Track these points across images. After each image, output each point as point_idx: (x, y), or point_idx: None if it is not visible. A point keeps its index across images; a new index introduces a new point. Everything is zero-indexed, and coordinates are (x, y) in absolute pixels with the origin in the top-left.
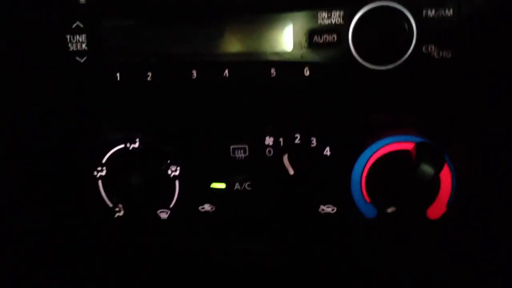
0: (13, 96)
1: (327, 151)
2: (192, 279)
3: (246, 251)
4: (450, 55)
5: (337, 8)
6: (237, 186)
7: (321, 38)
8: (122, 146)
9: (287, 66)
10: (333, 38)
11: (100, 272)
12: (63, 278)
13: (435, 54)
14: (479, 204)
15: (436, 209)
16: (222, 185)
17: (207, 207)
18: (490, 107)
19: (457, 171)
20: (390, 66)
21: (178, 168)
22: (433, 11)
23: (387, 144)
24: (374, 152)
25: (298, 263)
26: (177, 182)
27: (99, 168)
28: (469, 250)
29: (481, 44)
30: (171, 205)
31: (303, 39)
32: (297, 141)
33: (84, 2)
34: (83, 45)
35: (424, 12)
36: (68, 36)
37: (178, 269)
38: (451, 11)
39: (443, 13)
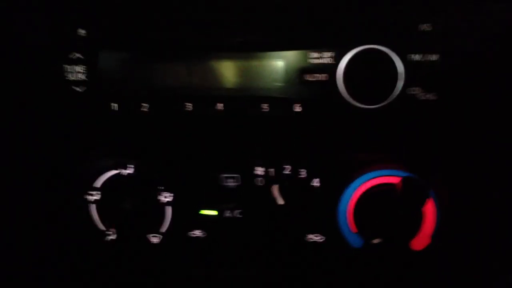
0: (12, 121)
1: (316, 183)
2: None
3: (234, 277)
4: (434, 97)
5: (327, 49)
6: (227, 213)
7: (311, 76)
8: (116, 172)
9: (278, 102)
10: (323, 77)
11: None
12: None
13: (420, 96)
14: (462, 236)
15: (420, 241)
16: (213, 212)
17: (197, 233)
18: (472, 146)
19: (440, 205)
20: (377, 106)
21: (171, 194)
22: (419, 56)
23: (373, 178)
24: (361, 185)
25: None
26: (169, 208)
27: (92, 192)
28: (453, 282)
29: (464, 87)
30: (163, 230)
31: (294, 77)
32: (287, 172)
33: (84, 34)
34: (82, 75)
35: (410, 56)
36: (66, 67)
37: None
38: (436, 56)
39: (428, 58)
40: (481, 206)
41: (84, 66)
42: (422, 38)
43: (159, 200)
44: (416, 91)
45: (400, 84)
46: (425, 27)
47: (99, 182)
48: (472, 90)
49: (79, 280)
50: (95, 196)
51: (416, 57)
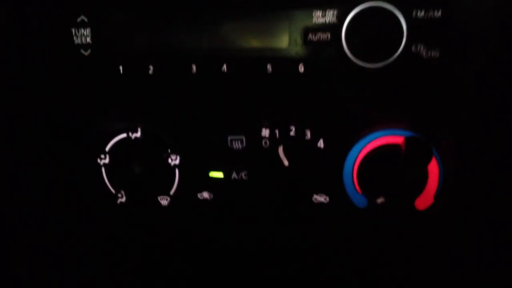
0: (20, 87)
1: (321, 144)
2: (191, 262)
3: (242, 236)
4: (438, 55)
5: (331, 7)
6: (234, 175)
7: (315, 36)
8: (124, 135)
9: (282, 62)
10: (327, 36)
11: (103, 257)
12: (66, 263)
13: (424, 54)
14: (465, 196)
15: (424, 201)
16: (220, 174)
17: (205, 194)
18: (475, 103)
19: (444, 164)
20: (381, 64)
21: (178, 157)
22: (423, 12)
23: (377, 138)
24: (366, 145)
25: (292, 248)
26: (177, 171)
27: (102, 156)
28: (455, 241)
29: (467, 44)
30: (171, 192)
31: (298, 37)
32: (292, 133)
33: None
34: (88, 39)
35: (414, 13)
36: (73, 30)
37: (178, 253)
38: (439, 12)
39: (432, 14)
40: (485, 166)
41: (89, 29)
42: None
43: (167, 162)
44: (420, 48)
45: (403, 42)
46: None
47: (108, 146)
48: (476, 47)
49: (93, 242)
50: (104, 159)
51: (420, 14)
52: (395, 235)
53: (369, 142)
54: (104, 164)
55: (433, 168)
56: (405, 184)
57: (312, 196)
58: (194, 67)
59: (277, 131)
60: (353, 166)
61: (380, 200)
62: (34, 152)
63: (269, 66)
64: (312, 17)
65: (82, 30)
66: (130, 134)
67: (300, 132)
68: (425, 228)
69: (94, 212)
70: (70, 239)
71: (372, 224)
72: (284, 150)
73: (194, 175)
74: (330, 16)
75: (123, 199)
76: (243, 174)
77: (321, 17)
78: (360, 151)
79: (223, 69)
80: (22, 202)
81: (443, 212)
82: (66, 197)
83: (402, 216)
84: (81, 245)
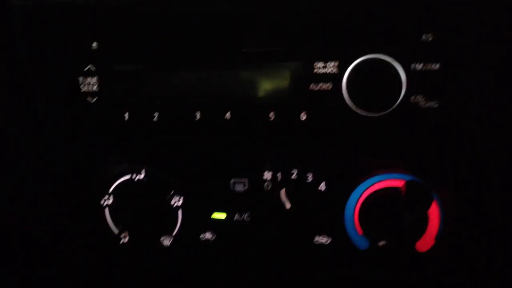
0: (29, 130)
1: (322, 187)
2: None
3: (244, 279)
4: (436, 105)
5: (332, 59)
6: (236, 217)
7: (316, 86)
8: (128, 177)
9: (284, 110)
10: (328, 86)
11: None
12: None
13: (423, 104)
14: (465, 238)
15: (425, 243)
16: (222, 216)
17: (208, 235)
18: (473, 150)
19: (444, 208)
20: (381, 114)
21: (181, 198)
22: (421, 65)
23: (379, 181)
24: (367, 188)
25: None
26: (180, 212)
27: (106, 197)
28: (457, 282)
29: (465, 95)
30: (174, 233)
31: (299, 86)
32: (293, 176)
33: (96, 48)
34: (94, 87)
35: (412, 65)
36: (80, 78)
37: None
38: (437, 65)
39: (430, 67)
40: (484, 208)
41: (96, 78)
42: (424, 48)
43: (170, 204)
44: (418, 99)
45: (403, 92)
46: (427, 37)
47: (112, 187)
48: (473, 97)
49: (95, 282)
50: (108, 200)
51: (419, 66)
52: (397, 276)
53: (370, 185)
54: (108, 205)
55: (434, 211)
56: (406, 227)
57: (314, 238)
58: (198, 114)
59: (279, 175)
60: (354, 209)
61: (381, 243)
62: (40, 191)
63: (271, 114)
64: (313, 68)
65: (89, 79)
66: (134, 175)
67: (302, 176)
68: (427, 269)
69: (97, 252)
70: (72, 279)
71: (374, 266)
72: (286, 192)
73: (197, 216)
74: (331, 67)
75: (126, 240)
76: (245, 216)
77: (322, 68)
78: (362, 194)
79: (226, 116)
80: (25, 242)
81: (445, 253)
82: (70, 237)
83: (404, 258)
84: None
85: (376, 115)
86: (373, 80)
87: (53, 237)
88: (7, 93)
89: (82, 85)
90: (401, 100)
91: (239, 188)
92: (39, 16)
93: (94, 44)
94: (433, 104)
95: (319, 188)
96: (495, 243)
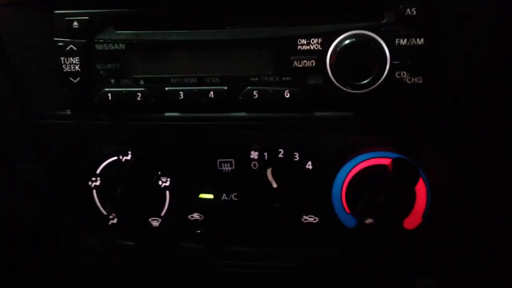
0: (14, 111)
1: (309, 165)
2: (181, 283)
3: (232, 257)
4: (421, 81)
5: (315, 36)
6: (224, 197)
7: (300, 63)
8: (115, 158)
9: (268, 89)
10: (312, 63)
11: (96, 277)
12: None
13: (407, 80)
14: (452, 215)
15: (413, 220)
16: (210, 196)
17: (196, 216)
18: (459, 126)
19: (431, 185)
20: (366, 90)
21: (169, 179)
22: (405, 40)
23: (365, 159)
24: (354, 166)
25: (282, 269)
26: (167, 192)
27: (93, 179)
28: (443, 259)
29: (449, 70)
30: (162, 214)
31: (283, 64)
32: (280, 155)
33: (77, 27)
34: (76, 67)
35: (396, 41)
36: (62, 58)
37: (169, 273)
38: (421, 40)
39: (414, 42)
40: (471, 186)
41: (78, 58)
42: (408, 23)
43: (158, 184)
44: (403, 75)
45: (387, 68)
46: (411, 11)
47: (99, 169)
48: (457, 72)
49: (85, 263)
50: (95, 182)
51: (403, 42)
52: (384, 254)
53: (357, 163)
54: (95, 186)
55: (421, 189)
56: (393, 205)
57: (302, 216)
58: (181, 94)
59: (265, 154)
60: (342, 187)
61: (368, 221)
62: (26, 174)
63: (255, 92)
64: (297, 44)
65: (71, 59)
66: (121, 157)
67: (289, 154)
68: (414, 247)
69: (86, 233)
70: (63, 260)
71: (361, 244)
72: (272, 172)
73: (185, 197)
74: (314, 43)
75: (115, 221)
76: (232, 196)
77: (305, 44)
78: (349, 172)
79: (210, 95)
80: (13, 227)
81: (432, 230)
82: (59, 218)
83: (391, 236)
84: (74, 267)
85: (361, 91)
86: (357, 57)
87: (42, 220)
88: None
89: (64, 65)
90: (385, 77)
91: (226, 168)
92: None
93: (75, 23)
94: (418, 79)
95: (306, 166)
96: (482, 221)
